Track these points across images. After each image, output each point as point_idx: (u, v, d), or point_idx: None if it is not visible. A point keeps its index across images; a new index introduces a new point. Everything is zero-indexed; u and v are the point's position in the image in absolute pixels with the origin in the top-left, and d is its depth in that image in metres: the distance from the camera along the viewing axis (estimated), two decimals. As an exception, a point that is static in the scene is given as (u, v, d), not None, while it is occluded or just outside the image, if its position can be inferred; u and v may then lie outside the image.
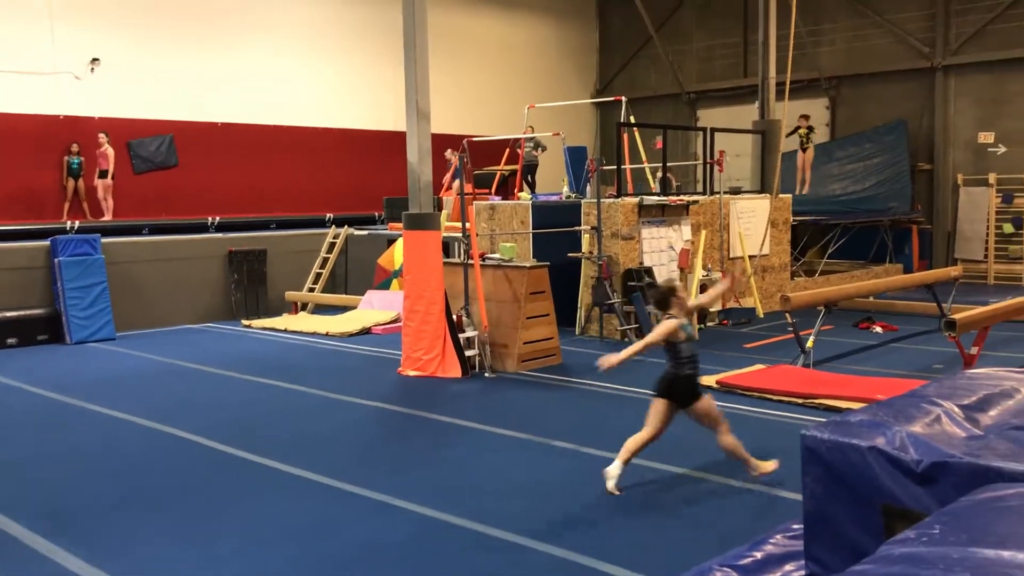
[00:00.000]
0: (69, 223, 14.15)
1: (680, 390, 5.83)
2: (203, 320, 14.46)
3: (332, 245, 15.91)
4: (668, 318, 5.84)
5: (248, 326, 13.86)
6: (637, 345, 5.78)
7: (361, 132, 18.67)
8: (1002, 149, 17.90)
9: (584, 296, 12.42)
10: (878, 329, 12.25)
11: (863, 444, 3.26)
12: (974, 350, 8.77)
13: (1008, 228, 17.85)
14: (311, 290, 15.39)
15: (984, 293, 15.24)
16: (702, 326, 12.47)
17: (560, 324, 10.84)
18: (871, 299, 13.56)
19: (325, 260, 15.76)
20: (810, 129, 17.11)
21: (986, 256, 18.11)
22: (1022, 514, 2.43)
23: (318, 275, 15.60)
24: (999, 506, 2.51)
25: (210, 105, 16.71)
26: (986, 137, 18.14)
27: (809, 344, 9.87)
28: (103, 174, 14.98)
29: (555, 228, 12.52)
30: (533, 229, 12.94)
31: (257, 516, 5.60)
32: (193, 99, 16.49)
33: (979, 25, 17.94)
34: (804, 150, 17.04)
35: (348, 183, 18.35)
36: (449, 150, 16.58)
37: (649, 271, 12.17)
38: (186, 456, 7.01)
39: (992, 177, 17.98)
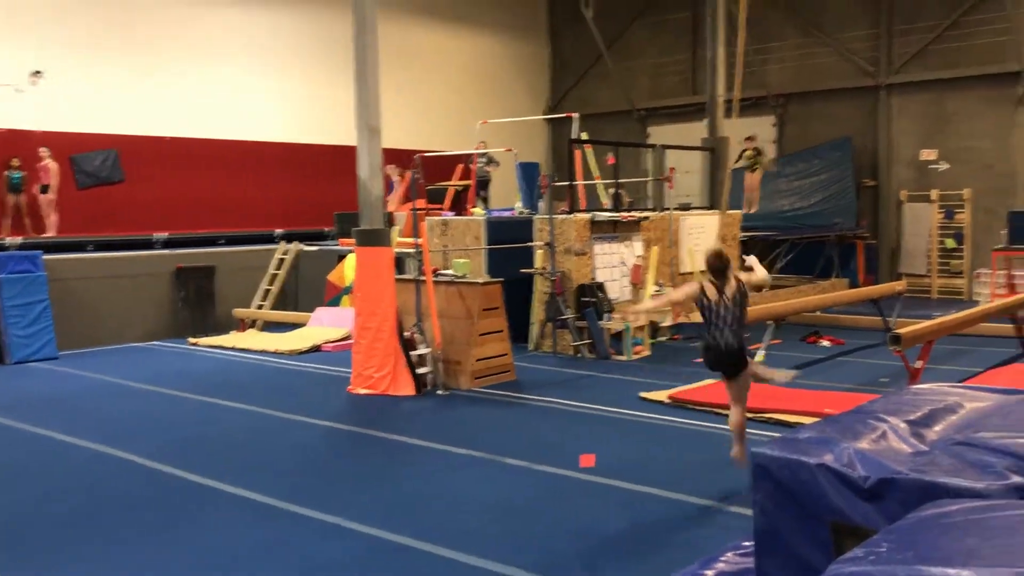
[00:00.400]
0: (9, 239, 13.81)
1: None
2: (149, 338, 14.19)
3: (281, 261, 15.73)
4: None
5: (195, 344, 13.63)
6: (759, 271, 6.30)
7: (311, 146, 18.52)
8: (944, 166, 18.34)
9: (537, 312, 12.42)
10: (825, 343, 12.44)
11: (812, 461, 3.29)
12: (919, 364, 8.93)
13: (950, 243, 18.28)
14: (260, 307, 15.19)
15: (928, 307, 15.56)
16: (653, 341, 12.54)
17: (514, 340, 10.83)
18: (818, 313, 13.77)
19: (274, 276, 15.57)
20: (756, 151, 17.22)
21: (929, 271, 18.51)
22: (966, 530, 2.46)
23: (267, 292, 15.41)
24: (944, 522, 2.54)
25: (157, 119, 16.44)
26: (928, 154, 18.57)
27: (759, 358, 9.98)
28: (44, 189, 14.65)
29: (508, 244, 12.52)
30: (486, 245, 12.93)
31: (204, 540, 5.48)
32: (139, 113, 16.21)
33: (920, 45, 18.39)
34: (752, 171, 17.14)
35: (298, 198, 18.17)
36: (391, 166, 16.51)
37: (601, 287, 12.22)
38: (130, 478, 6.84)
39: (934, 193, 18.40)
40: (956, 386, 4.23)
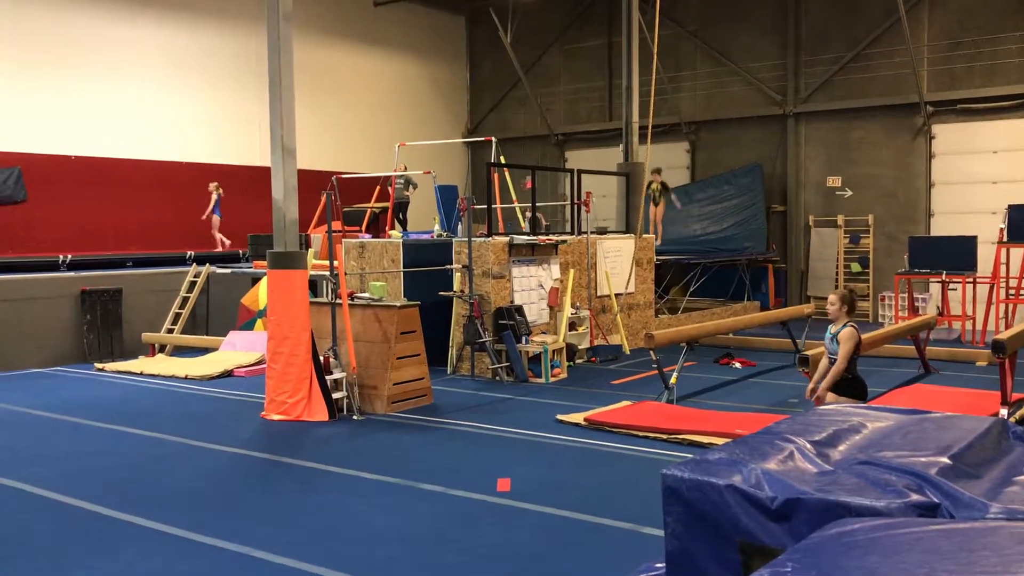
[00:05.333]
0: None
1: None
2: (53, 364, 13.65)
3: (193, 284, 15.34)
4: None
5: (102, 370, 13.17)
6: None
7: (225, 167, 18.16)
8: (848, 192, 19.01)
9: (455, 335, 12.38)
10: (737, 365, 12.70)
11: (721, 482, 3.33)
12: (826, 384, 9.16)
13: (856, 267, 18.93)
14: (170, 331, 14.77)
15: (835, 329, 15.97)
16: (571, 363, 12.62)
17: (431, 364, 10.75)
18: (730, 336, 14.06)
19: (185, 299, 15.17)
20: (663, 185, 17.35)
21: (836, 293, 19.09)
22: (867, 548, 2.52)
23: (177, 315, 14.99)
24: (846, 541, 2.60)
25: (62, 137, 15.93)
26: (834, 181, 19.23)
27: (673, 380, 10.12)
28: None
29: (426, 267, 12.47)
30: (404, 268, 12.85)
31: (105, 574, 5.26)
32: (44, 130, 15.68)
33: (825, 76, 19.09)
34: (655, 205, 17.22)
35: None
36: (213, 183, 16.56)
37: (520, 309, 12.26)
38: (30, 511, 6.53)
39: (840, 219, 19.05)
40: (859, 406, 4.36)
